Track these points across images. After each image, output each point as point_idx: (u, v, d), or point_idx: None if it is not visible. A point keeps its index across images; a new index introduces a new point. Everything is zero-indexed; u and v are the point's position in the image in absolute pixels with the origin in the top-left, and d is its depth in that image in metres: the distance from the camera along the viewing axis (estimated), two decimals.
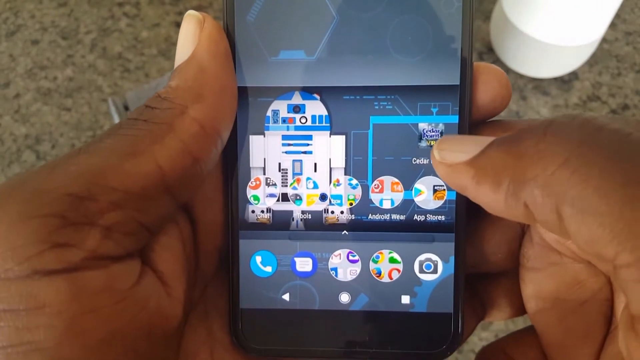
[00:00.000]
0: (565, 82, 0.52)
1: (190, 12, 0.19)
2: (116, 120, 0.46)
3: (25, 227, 0.15)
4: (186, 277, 0.20)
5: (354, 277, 0.21)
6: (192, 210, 0.21)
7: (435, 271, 0.21)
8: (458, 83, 0.20)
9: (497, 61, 0.53)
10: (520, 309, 0.22)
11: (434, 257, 0.21)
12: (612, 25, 0.55)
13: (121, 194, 0.16)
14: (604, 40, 0.54)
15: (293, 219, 0.21)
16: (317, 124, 0.21)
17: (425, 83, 0.20)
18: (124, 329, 0.17)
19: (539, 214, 0.15)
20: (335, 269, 0.22)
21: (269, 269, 0.22)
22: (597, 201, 0.14)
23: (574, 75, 0.52)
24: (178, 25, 0.56)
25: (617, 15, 0.55)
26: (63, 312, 0.15)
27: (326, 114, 0.21)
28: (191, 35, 0.19)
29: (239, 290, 0.22)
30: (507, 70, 0.52)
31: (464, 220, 0.21)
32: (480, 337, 0.43)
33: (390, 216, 0.21)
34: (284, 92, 0.21)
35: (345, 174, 0.21)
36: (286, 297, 0.22)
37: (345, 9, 0.20)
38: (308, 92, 0.21)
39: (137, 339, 0.17)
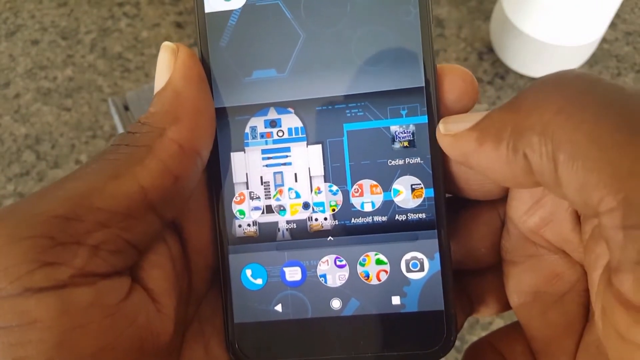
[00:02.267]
0: None
1: (165, 43, 0.20)
2: (116, 120, 0.46)
3: (15, 249, 0.16)
4: (177, 294, 0.20)
5: (343, 282, 0.22)
6: (182, 230, 0.21)
7: (422, 269, 0.21)
8: (423, 85, 0.21)
9: (497, 61, 0.53)
10: (507, 304, 0.22)
11: (419, 255, 0.21)
12: (612, 25, 0.54)
13: (106, 214, 0.17)
14: (604, 40, 0.54)
15: (279, 230, 0.22)
16: (293, 136, 0.22)
17: (392, 88, 0.21)
18: (113, 343, 0.17)
19: (536, 164, 0.16)
20: (324, 276, 0.22)
21: (259, 281, 0.22)
22: (587, 145, 0.14)
23: None
24: (178, 25, 0.57)
25: (617, 15, 0.55)
26: (53, 327, 0.16)
27: (301, 125, 0.21)
28: (166, 64, 0.20)
29: (232, 306, 0.22)
30: (507, 70, 0.52)
31: (444, 216, 0.21)
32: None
33: (373, 218, 0.22)
34: (259, 109, 0.22)
35: (325, 181, 0.22)
36: (278, 308, 0.22)
37: (309, 26, 0.21)
38: (282, 106, 0.21)
39: (127, 353, 0.17)
